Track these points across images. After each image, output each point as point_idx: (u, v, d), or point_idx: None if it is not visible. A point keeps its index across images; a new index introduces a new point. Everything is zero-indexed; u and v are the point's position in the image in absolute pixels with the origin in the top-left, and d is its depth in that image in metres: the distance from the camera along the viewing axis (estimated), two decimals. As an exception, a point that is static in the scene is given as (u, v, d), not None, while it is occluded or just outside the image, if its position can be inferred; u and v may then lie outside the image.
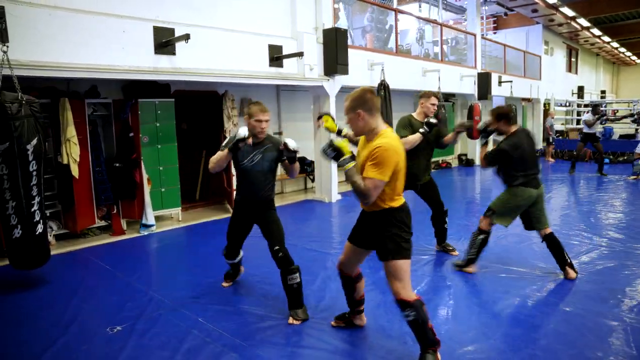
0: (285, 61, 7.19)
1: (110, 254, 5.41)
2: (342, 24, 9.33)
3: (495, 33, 19.52)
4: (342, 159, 2.69)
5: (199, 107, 8.01)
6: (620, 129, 16.12)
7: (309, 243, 5.55)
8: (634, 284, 4.04)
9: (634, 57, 31.67)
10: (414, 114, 4.82)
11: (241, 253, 4.08)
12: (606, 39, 23.04)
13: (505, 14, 19.07)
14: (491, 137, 4.49)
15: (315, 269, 4.57)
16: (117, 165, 6.18)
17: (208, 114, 7.82)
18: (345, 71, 7.80)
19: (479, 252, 4.36)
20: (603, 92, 28.51)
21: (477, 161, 13.65)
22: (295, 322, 3.41)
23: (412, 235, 2.79)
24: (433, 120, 4.54)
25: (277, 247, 3.50)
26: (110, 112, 6.30)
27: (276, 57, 7.05)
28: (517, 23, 19.26)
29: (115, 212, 6.29)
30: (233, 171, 7.37)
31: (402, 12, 10.30)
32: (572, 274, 4.19)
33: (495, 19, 19.70)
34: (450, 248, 5.09)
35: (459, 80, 12.40)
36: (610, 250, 5.03)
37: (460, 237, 5.65)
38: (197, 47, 5.96)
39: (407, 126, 4.70)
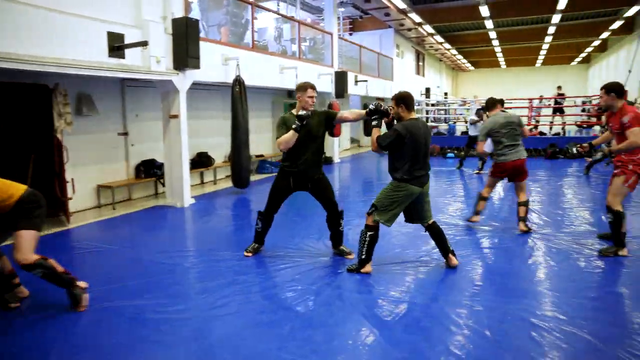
0: (128, 52, 6.40)
1: None
2: (195, 15, 8.72)
3: (351, 35, 20.24)
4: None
5: (22, 103, 6.76)
6: (462, 125, 17.83)
7: (156, 255, 4.96)
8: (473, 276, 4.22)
9: (468, 65, 35.46)
10: (294, 111, 4.54)
11: None
12: (447, 46, 25.35)
13: (361, 17, 19.89)
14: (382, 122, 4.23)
15: (162, 286, 4.04)
16: None
17: (34, 110, 6.64)
18: (196, 65, 7.25)
19: (370, 250, 4.17)
20: (446, 93, 31.44)
21: (336, 158, 13.95)
22: None
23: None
24: (303, 113, 4.25)
25: None
26: None
27: (117, 46, 6.23)
28: (371, 26, 20.21)
29: None
30: (68, 177, 6.44)
31: (259, 6, 10.01)
32: (454, 261, 4.32)
33: (351, 21, 20.44)
34: (347, 251, 4.79)
35: (317, 79, 12.49)
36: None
37: (320, 236, 5.50)
38: (16, 28, 4.97)
39: (281, 125, 4.42)
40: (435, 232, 4.28)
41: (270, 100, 12.81)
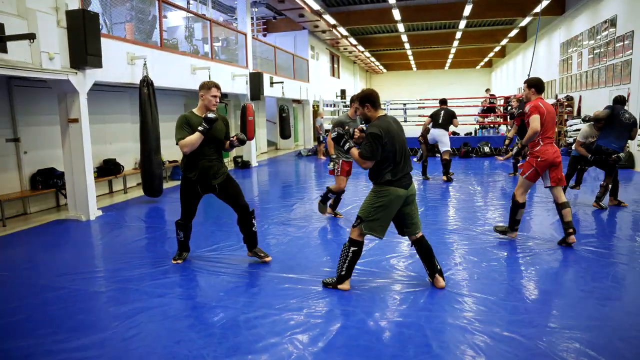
0: (12, 46, 5.61)
1: None
2: (95, 9, 7.94)
3: (265, 36, 19.89)
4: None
5: None
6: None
7: (56, 279, 4.32)
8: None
9: (381, 67, 36.43)
10: (195, 110, 4.29)
11: None
12: (361, 48, 25.78)
13: (274, 18, 19.58)
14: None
15: (62, 318, 3.46)
16: None
17: None
18: (98, 64, 6.55)
19: (351, 266, 3.79)
20: (360, 95, 31.90)
21: (254, 162, 13.54)
22: None
23: None
24: (212, 115, 4.04)
25: None
26: None
27: (-5, 38, 5.42)
28: (285, 28, 19.98)
29: None
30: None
31: (167, 2, 9.36)
32: (441, 282, 3.85)
33: (265, 21, 20.08)
34: (263, 254, 4.58)
35: (231, 80, 12.04)
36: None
37: (242, 246, 5.15)
38: None
39: (184, 126, 4.12)
40: (423, 248, 3.84)
41: (182, 103, 12.13)
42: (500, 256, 4.73)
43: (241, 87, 12.57)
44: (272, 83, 14.78)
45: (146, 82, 7.55)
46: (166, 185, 9.38)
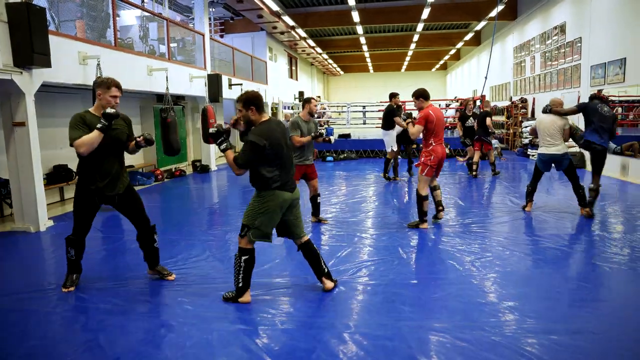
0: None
1: None
2: (41, 4, 7.44)
3: (222, 36, 19.49)
4: None
5: None
6: (339, 128, 18.26)
7: (6, 300, 3.93)
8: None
9: (338, 69, 36.58)
10: (91, 109, 3.88)
11: None
12: (319, 50, 25.75)
13: (232, 19, 19.24)
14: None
15: (4, 348, 3.12)
16: None
17: None
18: (46, 63, 6.10)
19: (248, 276, 3.61)
20: (319, 97, 31.97)
21: (213, 166, 13.18)
22: None
23: None
24: (112, 111, 3.67)
25: None
26: None
27: None
28: (243, 29, 19.68)
29: None
30: None
31: None
32: (328, 284, 3.84)
33: (222, 22, 19.69)
34: (166, 272, 4.26)
35: (189, 82, 11.65)
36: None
37: (207, 256, 4.91)
38: None
39: (79, 124, 3.72)
40: (309, 252, 3.79)
41: (138, 105, 11.63)
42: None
43: (199, 89, 12.19)
44: (230, 85, 14.44)
45: (100, 83, 7.12)
46: (122, 191, 8.90)
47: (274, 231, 3.74)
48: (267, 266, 4.53)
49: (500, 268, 4.43)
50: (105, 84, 3.80)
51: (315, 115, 6.00)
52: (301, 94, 24.53)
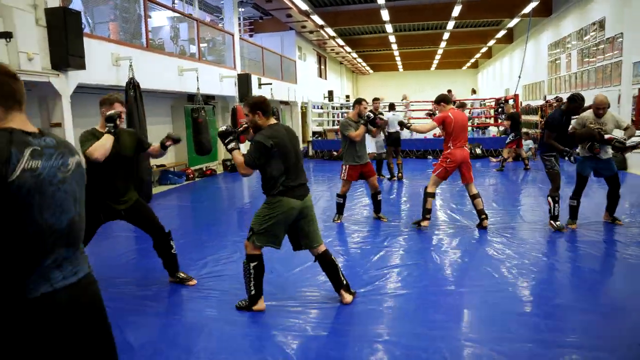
0: (-12, 47, 5.27)
1: None
2: (77, 8, 7.59)
3: (251, 36, 19.57)
4: None
5: None
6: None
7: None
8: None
9: (368, 68, 36.35)
10: (97, 127, 3.91)
11: None
12: (348, 49, 25.60)
13: (261, 18, 19.31)
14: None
15: None
16: None
17: None
18: (81, 65, 6.23)
19: (259, 283, 3.52)
20: (347, 96, 31.84)
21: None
22: None
23: None
24: (112, 112, 3.71)
25: None
26: None
27: (-34, 35, 5.07)
28: (272, 28, 19.70)
29: None
30: None
31: (151, 0, 9.02)
32: (347, 297, 3.65)
33: (251, 22, 19.78)
34: (187, 278, 4.23)
35: (219, 82, 11.73)
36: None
37: (238, 257, 4.89)
38: None
39: (90, 138, 3.73)
40: (326, 263, 3.63)
41: (169, 105, 11.77)
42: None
43: (229, 88, 12.27)
44: (260, 84, 14.49)
45: (132, 84, 7.23)
46: (155, 190, 9.01)
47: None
48: (297, 270, 4.49)
49: (538, 275, 4.27)
50: (108, 101, 3.83)
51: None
52: (330, 93, 24.46)
